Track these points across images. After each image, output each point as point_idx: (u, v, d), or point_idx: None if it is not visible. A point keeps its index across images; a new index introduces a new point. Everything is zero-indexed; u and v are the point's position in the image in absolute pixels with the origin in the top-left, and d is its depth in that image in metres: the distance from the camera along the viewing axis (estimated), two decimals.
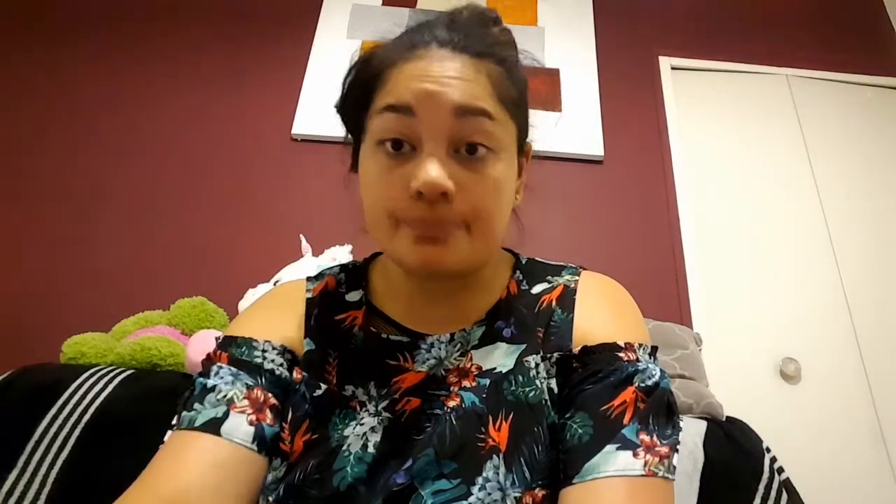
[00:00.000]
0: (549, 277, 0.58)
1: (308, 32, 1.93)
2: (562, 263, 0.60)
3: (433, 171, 0.45)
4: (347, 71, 0.55)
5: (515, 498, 0.43)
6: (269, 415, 0.49)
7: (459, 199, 0.46)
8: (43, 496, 0.89)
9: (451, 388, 0.50)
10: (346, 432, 0.48)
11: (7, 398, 1.00)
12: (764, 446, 1.04)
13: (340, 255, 1.45)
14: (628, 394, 0.46)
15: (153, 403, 1.02)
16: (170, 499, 0.44)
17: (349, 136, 0.58)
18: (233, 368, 0.51)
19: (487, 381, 0.49)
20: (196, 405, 0.49)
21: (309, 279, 0.62)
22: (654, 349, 0.51)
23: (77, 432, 0.95)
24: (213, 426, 0.47)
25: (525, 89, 0.54)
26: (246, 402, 0.49)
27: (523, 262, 0.60)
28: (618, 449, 0.43)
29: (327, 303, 0.58)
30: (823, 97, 1.96)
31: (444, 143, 0.47)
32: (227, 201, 1.65)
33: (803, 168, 1.84)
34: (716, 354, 1.50)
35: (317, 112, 1.77)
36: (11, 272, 1.51)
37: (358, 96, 0.52)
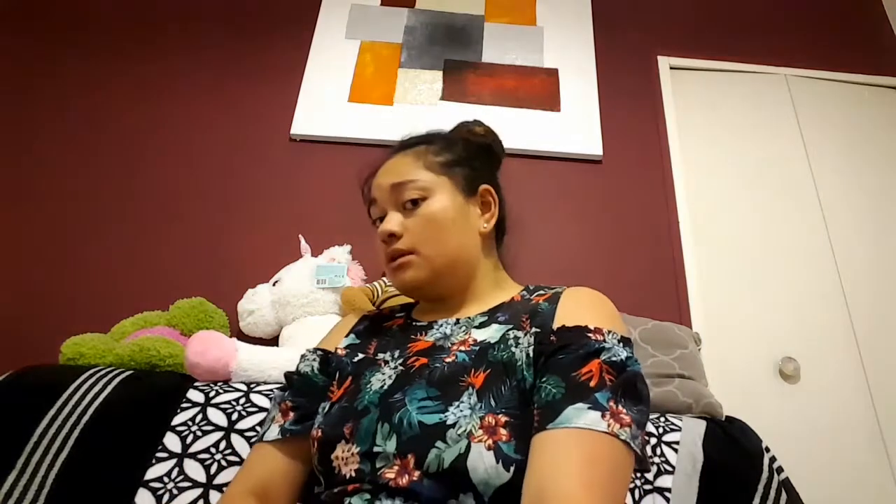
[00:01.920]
0: (545, 290, 0.75)
1: (307, 32, 1.93)
2: (561, 288, 0.76)
3: (387, 224, 0.75)
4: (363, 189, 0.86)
5: (480, 417, 0.56)
6: (290, 415, 0.72)
7: (406, 236, 0.74)
8: (42, 497, 0.89)
9: (451, 351, 0.67)
10: (370, 378, 0.68)
11: (6, 399, 1.00)
12: (763, 446, 1.04)
13: (339, 255, 1.45)
14: (594, 365, 0.57)
15: (152, 404, 1.02)
16: (252, 488, 0.67)
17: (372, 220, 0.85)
18: (285, 388, 0.77)
19: (478, 347, 0.66)
20: (261, 430, 0.74)
21: (379, 309, 0.92)
22: (626, 339, 0.62)
23: (76, 433, 0.95)
24: (262, 436, 0.72)
25: (455, 156, 0.80)
26: (279, 412, 0.73)
27: (531, 287, 0.79)
28: (588, 408, 0.53)
29: (381, 318, 0.84)
30: (822, 97, 1.97)
31: (395, 205, 0.76)
32: (225, 202, 1.65)
33: (802, 168, 1.84)
34: (715, 354, 1.50)
35: (315, 112, 1.77)
36: (11, 272, 1.51)
37: (366, 198, 0.84)
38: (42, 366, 1.12)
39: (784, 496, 0.95)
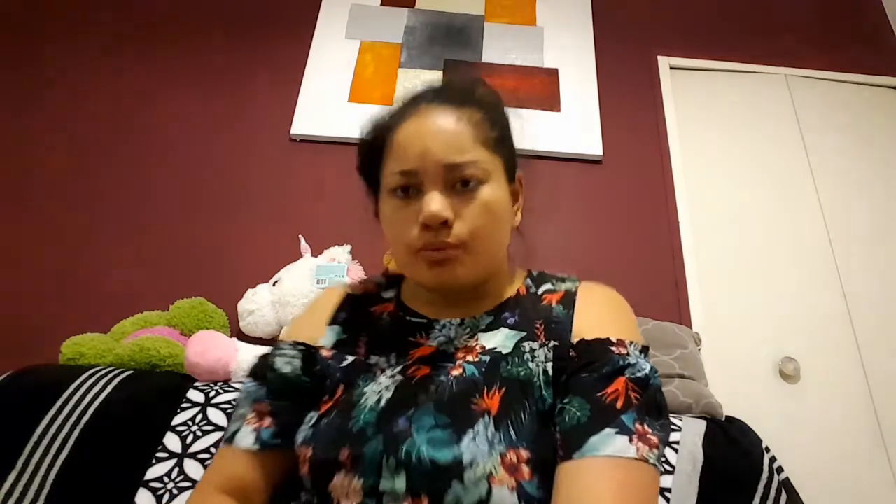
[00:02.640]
0: (553, 282, 0.68)
1: (307, 32, 1.93)
2: (565, 276, 0.70)
3: (434, 204, 0.58)
4: (360, 139, 0.70)
5: (501, 453, 0.50)
6: (266, 420, 0.61)
7: (458, 224, 0.59)
8: (42, 497, 0.89)
9: (457, 361, 0.59)
10: (365, 389, 0.59)
11: (6, 399, 1.00)
12: (763, 446, 1.05)
13: (339, 255, 1.45)
14: (620, 383, 0.53)
15: (152, 404, 1.02)
16: (222, 484, 0.59)
17: (370, 189, 0.70)
18: (256, 381, 0.65)
19: (488, 358, 0.59)
20: (231, 420, 0.64)
21: (361, 281, 0.77)
22: (646, 348, 0.59)
23: (76, 433, 0.95)
24: (231, 439, 0.61)
25: (507, 129, 0.68)
26: (253, 414, 0.62)
27: (534, 274, 0.71)
28: (616, 433, 0.50)
29: (366, 299, 0.72)
30: (822, 97, 1.97)
31: (441, 184, 0.60)
32: (226, 201, 1.65)
33: (802, 168, 1.84)
34: (715, 354, 1.50)
35: (315, 112, 1.77)
36: (11, 272, 1.51)
37: (371, 159, 0.67)
38: (42, 366, 1.13)
39: (784, 496, 0.95)
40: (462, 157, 0.60)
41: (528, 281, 0.69)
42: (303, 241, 1.48)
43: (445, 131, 0.61)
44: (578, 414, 0.52)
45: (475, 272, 0.61)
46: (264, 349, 1.21)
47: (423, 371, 0.59)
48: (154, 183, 1.66)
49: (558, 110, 1.83)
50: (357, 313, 0.70)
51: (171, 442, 0.96)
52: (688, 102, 1.92)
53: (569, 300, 0.64)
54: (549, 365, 0.57)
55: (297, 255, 1.47)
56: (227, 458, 0.61)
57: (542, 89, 1.87)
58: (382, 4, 2.01)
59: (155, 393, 1.04)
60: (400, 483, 0.50)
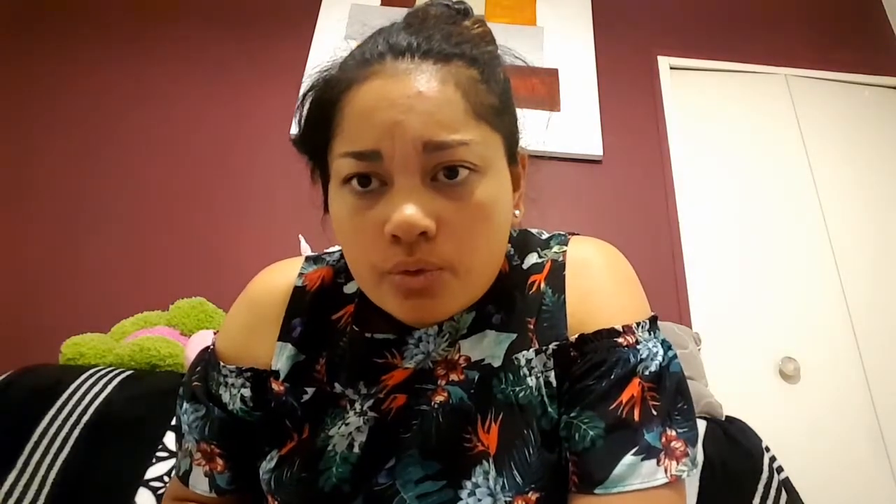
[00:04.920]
0: (539, 251, 0.53)
1: (307, 32, 1.92)
2: (552, 233, 0.56)
3: (407, 209, 0.40)
4: (299, 100, 0.50)
5: (507, 503, 0.42)
6: (218, 462, 0.52)
7: (443, 236, 0.42)
8: (42, 496, 0.89)
9: (439, 382, 0.47)
10: (331, 432, 0.47)
11: (6, 398, 1.00)
12: (763, 446, 1.04)
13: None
14: (634, 387, 0.43)
15: (152, 404, 1.02)
16: None
17: (315, 173, 0.52)
18: (196, 407, 0.53)
19: (476, 375, 0.47)
20: (179, 454, 0.54)
21: (308, 260, 0.59)
22: (654, 321, 0.48)
23: (76, 433, 0.96)
24: (185, 478, 0.53)
25: (507, 90, 0.49)
26: (199, 454, 0.52)
27: (514, 234, 0.55)
28: (642, 459, 0.41)
29: (323, 302, 0.54)
30: (822, 97, 1.97)
31: (418, 174, 0.41)
32: (226, 201, 1.65)
33: (802, 167, 1.84)
34: (715, 354, 1.50)
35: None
36: (11, 272, 1.51)
37: (314, 134, 0.48)
38: (42, 365, 1.12)
39: (784, 496, 0.95)
40: (450, 136, 0.41)
41: (509, 248, 0.53)
42: (303, 241, 1.48)
43: (425, 97, 0.42)
44: (592, 434, 0.42)
45: (464, 301, 0.46)
46: None
47: (399, 401, 0.47)
48: (154, 183, 1.66)
49: (558, 110, 1.83)
50: (315, 323, 0.53)
51: (171, 441, 0.96)
52: (688, 102, 1.92)
53: (557, 278, 0.49)
54: (552, 374, 0.46)
55: (297, 255, 1.47)
56: (183, 492, 0.54)
57: (542, 89, 1.87)
58: (382, 4, 2.01)
59: (155, 393, 1.04)
60: None
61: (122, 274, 1.52)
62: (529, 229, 0.57)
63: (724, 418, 1.16)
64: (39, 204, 1.61)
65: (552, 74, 1.90)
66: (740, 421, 1.14)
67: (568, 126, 1.81)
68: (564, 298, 0.48)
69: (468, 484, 0.42)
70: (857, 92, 1.98)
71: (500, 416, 0.45)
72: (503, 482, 0.42)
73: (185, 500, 0.54)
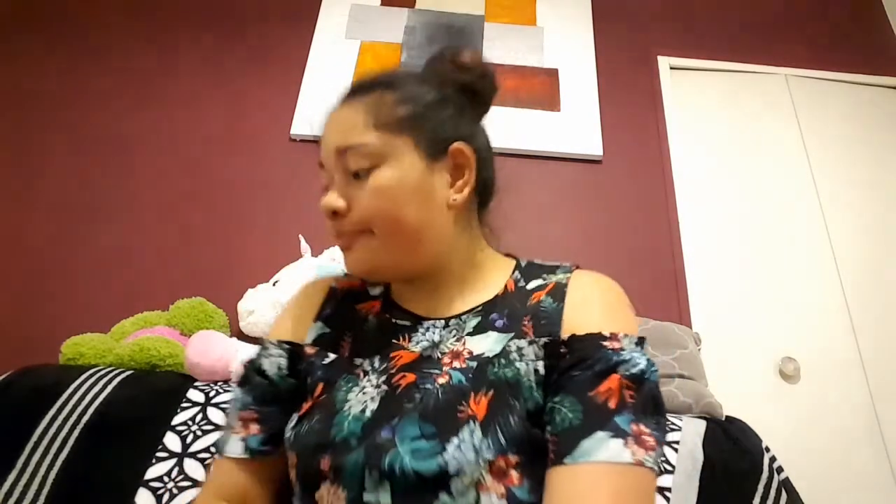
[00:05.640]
0: (544, 275, 0.64)
1: (307, 32, 1.92)
2: (557, 263, 0.66)
3: (325, 199, 0.61)
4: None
5: (488, 460, 0.48)
6: (252, 427, 0.62)
7: (353, 213, 0.59)
8: (42, 497, 0.89)
9: (444, 368, 0.56)
10: (349, 396, 0.57)
11: (6, 399, 1.00)
12: (763, 446, 1.04)
13: (339, 255, 1.44)
14: (613, 381, 0.50)
15: (152, 404, 1.02)
16: (220, 493, 0.60)
17: None
18: (241, 390, 0.65)
19: (475, 364, 0.56)
20: (223, 430, 0.64)
21: (346, 275, 0.74)
22: (642, 340, 0.55)
23: (76, 433, 0.96)
24: (221, 448, 0.62)
25: (419, 107, 0.62)
26: (239, 423, 0.63)
27: (522, 264, 0.67)
28: (610, 437, 0.47)
29: (352, 296, 0.70)
30: (822, 97, 1.97)
31: (342, 174, 0.61)
32: (226, 201, 1.65)
33: (802, 168, 1.84)
34: (715, 354, 1.50)
35: (316, 112, 1.77)
36: (11, 272, 1.51)
37: None
38: (42, 366, 1.13)
39: (784, 496, 0.95)
40: (345, 142, 0.60)
41: (517, 273, 0.65)
42: (303, 241, 1.48)
43: (337, 119, 0.62)
44: (570, 415, 0.49)
45: (382, 256, 0.60)
46: None
47: (408, 379, 0.57)
48: (154, 183, 1.66)
49: (558, 110, 1.83)
50: (342, 309, 0.68)
51: (172, 441, 0.96)
52: (687, 102, 1.92)
53: (559, 292, 0.60)
54: (541, 364, 0.54)
55: (297, 255, 1.47)
56: (221, 467, 0.61)
57: (542, 89, 1.87)
58: (382, 4, 2.01)
59: (155, 393, 1.04)
60: (385, 497, 0.49)
61: (122, 274, 1.52)
62: (536, 260, 0.68)
63: (724, 418, 1.16)
64: (39, 204, 1.61)
65: (552, 74, 1.90)
66: (740, 421, 1.14)
67: (568, 126, 1.81)
68: (562, 307, 0.58)
69: (455, 440, 0.49)
70: (857, 92, 1.98)
71: (491, 392, 0.52)
72: (488, 442, 0.49)
73: (223, 498, 0.60)
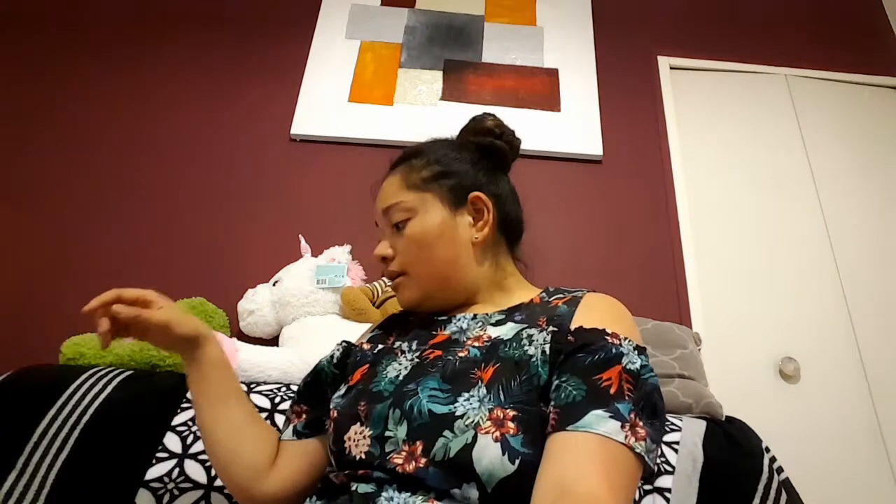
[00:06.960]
0: (565, 294, 0.74)
1: (307, 32, 1.93)
2: (579, 289, 0.77)
3: (378, 248, 0.78)
4: None
5: (489, 408, 0.57)
6: (301, 418, 0.79)
7: (397, 258, 0.77)
8: (42, 497, 0.89)
9: (466, 346, 0.68)
10: (387, 367, 0.70)
11: (6, 399, 1.00)
12: (763, 446, 1.04)
13: (339, 255, 1.45)
14: (615, 371, 0.57)
15: (152, 404, 1.02)
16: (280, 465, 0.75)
17: None
18: (300, 387, 0.82)
19: (490, 344, 0.66)
20: (285, 421, 0.82)
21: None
22: (643, 349, 0.62)
23: (76, 433, 0.95)
24: (281, 434, 0.79)
25: (441, 167, 0.78)
26: (293, 414, 0.80)
27: (550, 289, 0.78)
28: (610, 417, 0.53)
29: (408, 313, 0.84)
30: (822, 97, 1.97)
31: (388, 227, 0.78)
32: (226, 202, 1.65)
33: (802, 168, 1.84)
34: (715, 354, 1.50)
35: (315, 112, 1.77)
36: (11, 272, 1.51)
37: None
38: (42, 366, 1.13)
39: (784, 496, 0.95)
40: (387, 202, 0.77)
41: (544, 294, 0.76)
42: (303, 241, 1.48)
43: (384, 187, 0.81)
44: (574, 392, 0.56)
45: (417, 292, 0.76)
46: (264, 349, 1.21)
47: (436, 353, 0.68)
48: (154, 183, 1.66)
49: (558, 110, 1.83)
50: (397, 320, 0.85)
51: (172, 442, 0.96)
52: (688, 102, 1.92)
53: (573, 301, 0.69)
54: (548, 347, 0.62)
55: (297, 255, 1.47)
56: (282, 447, 0.77)
57: (542, 89, 1.87)
58: (382, 4, 2.01)
59: (155, 393, 1.04)
60: (401, 431, 0.59)
61: (122, 274, 1.52)
62: (561, 287, 0.79)
63: (724, 418, 1.16)
64: (40, 204, 1.61)
65: (552, 74, 1.90)
66: (740, 421, 1.14)
67: (568, 126, 1.81)
68: (574, 311, 0.67)
69: (465, 394, 0.60)
70: (857, 92, 1.98)
71: (497, 364, 0.62)
72: (490, 397, 0.59)
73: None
